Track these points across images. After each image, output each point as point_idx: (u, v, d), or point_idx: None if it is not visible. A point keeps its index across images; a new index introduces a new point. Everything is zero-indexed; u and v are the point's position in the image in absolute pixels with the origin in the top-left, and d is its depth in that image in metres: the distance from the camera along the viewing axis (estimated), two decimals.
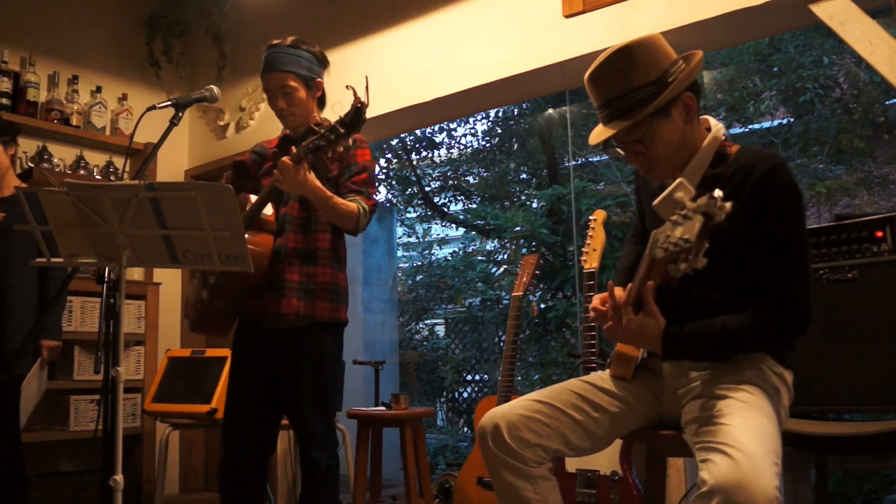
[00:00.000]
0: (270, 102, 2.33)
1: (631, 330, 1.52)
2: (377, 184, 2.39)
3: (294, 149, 2.11)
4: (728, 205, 1.23)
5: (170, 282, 4.26)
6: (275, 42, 2.31)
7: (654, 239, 1.39)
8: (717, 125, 1.63)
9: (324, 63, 2.39)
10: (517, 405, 1.62)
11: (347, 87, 2.04)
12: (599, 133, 1.62)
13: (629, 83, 1.54)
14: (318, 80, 2.35)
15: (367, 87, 1.98)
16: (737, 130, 5.51)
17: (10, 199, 2.87)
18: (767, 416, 1.41)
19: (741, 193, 1.50)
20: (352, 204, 2.21)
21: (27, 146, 3.82)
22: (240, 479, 2.27)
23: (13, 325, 2.84)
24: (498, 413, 1.61)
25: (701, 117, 1.67)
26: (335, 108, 2.07)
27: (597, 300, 1.66)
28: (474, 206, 7.40)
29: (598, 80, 1.59)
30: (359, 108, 1.99)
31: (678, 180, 1.37)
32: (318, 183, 2.14)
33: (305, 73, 2.30)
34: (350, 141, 2.22)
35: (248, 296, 2.27)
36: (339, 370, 2.34)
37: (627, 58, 1.54)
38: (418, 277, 7.49)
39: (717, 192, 1.24)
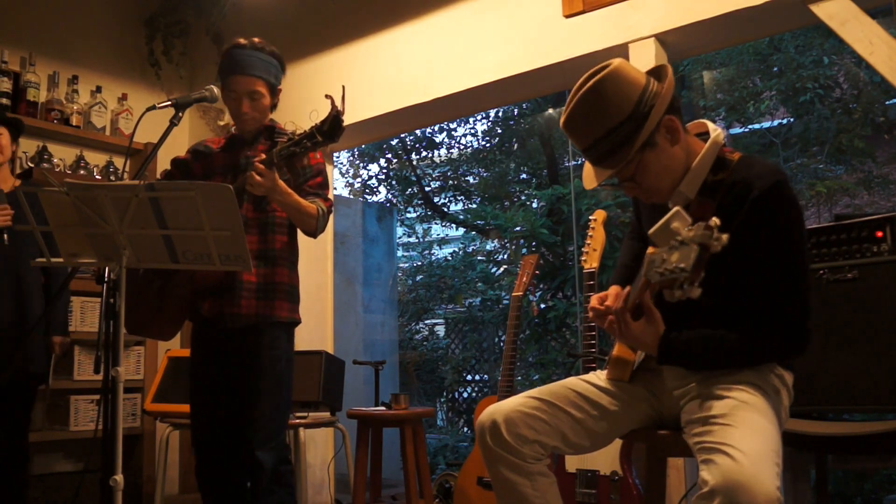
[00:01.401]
0: (231, 104, 2.30)
1: (631, 335, 1.53)
2: (329, 185, 2.41)
3: (264, 154, 2.09)
4: (725, 237, 1.20)
5: None
6: (241, 42, 2.28)
7: (650, 260, 1.37)
8: (715, 130, 1.60)
9: (283, 69, 2.39)
10: (516, 402, 1.62)
11: (326, 96, 2.03)
12: (591, 176, 1.59)
13: (606, 124, 1.50)
14: (279, 87, 2.36)
15: (343, 97, 1.97)
16: (737, 130, 5.51)
17: (11, 196, 2.87)
18: (767, 417, 1.41)
19: (741, 207, 1.48)
20: (312, 206, 2.23)
21: (27, 146, 3.82)
22: (218, 484, 2.27)
23: (27, 326, 2.88)
24: (496, 409, 1.61)
25: (697, 121, 1.66)
26: (312, 117, 2.07)
27: (595, 300, 1.65)
28: (474, 206, 7.40)
29: (574, 126, 1.56)
30: (336, 117, 1.99)
31: (674, 209, 1.33)
32: (286, 187, 2.14)
33: (273, 80, 2.31)
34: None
35: (203, 298, 2.26)
36: (291, 372, 2.33)
37: (597, 98, 1.50)
38: (418, 277, 7.49)
39: (714, 221, 1.21)
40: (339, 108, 1.99)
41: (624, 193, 1.66)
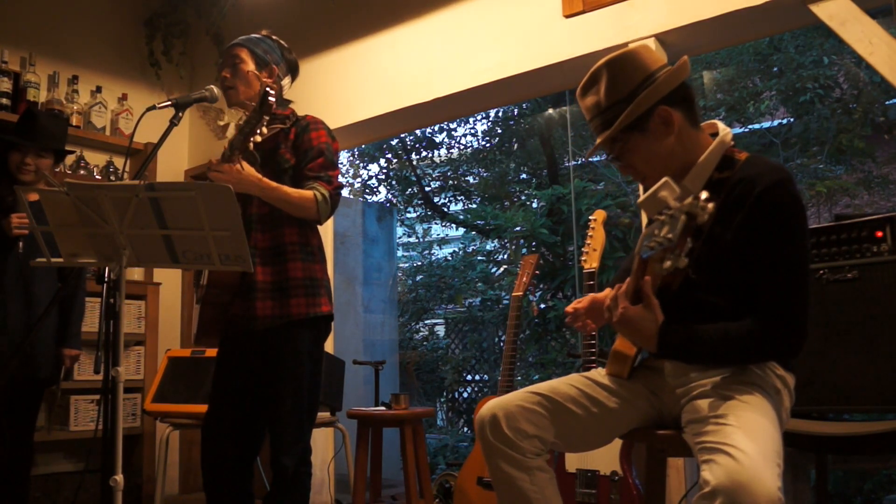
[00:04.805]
0: (219, 76, 2.34)
1: (627, 318, 1.51)
2: (339, 165, 2.32)
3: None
4: (711, 206, 1.23)
5: (170, 282, 4.27)
6: None
7: (642, 237, 1.40)
8: (724, 130, 1.62)
9: (288, 62, 2.38)
10: (516, 397, 1.63)
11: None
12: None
13: (606, 100, 1.60)
14: (272, 65, 2.32)
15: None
16: (737, 130, 5.51)
17: (35, 205, 2.89)
18: (768, 417, 1.41)
19: (744, 204, 1.49)
20: (307, 192, 2.15)
21: None
22: (221, 481, 2.24)
23: (41, 333, 2.91)
24: (497, 404, 1.62)
25: (709, 122, 1.67)
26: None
27: (570, 307, 1.74)
28: (474, 206, 7.40)
29: (581, 96, 1.67)
30: (265, 93, 1.99)
31: (663, 179, 1.37)
32: (257, 175, 2.09)
33: (259, 51, 2.31)
34: (303, 124, 2.26)
35: (234, 299, 2.22)
36: (317, 370, 2.26)
37: (602, 76, 1.61)
38: (418, 277, 7.49)
39: (703, 194, 1.25)
40: (268, 84, 2.02)
41: (621, 174, 1.73)
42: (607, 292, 1.78)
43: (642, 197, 1.42)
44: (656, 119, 1.56)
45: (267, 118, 2.02)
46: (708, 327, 1.51)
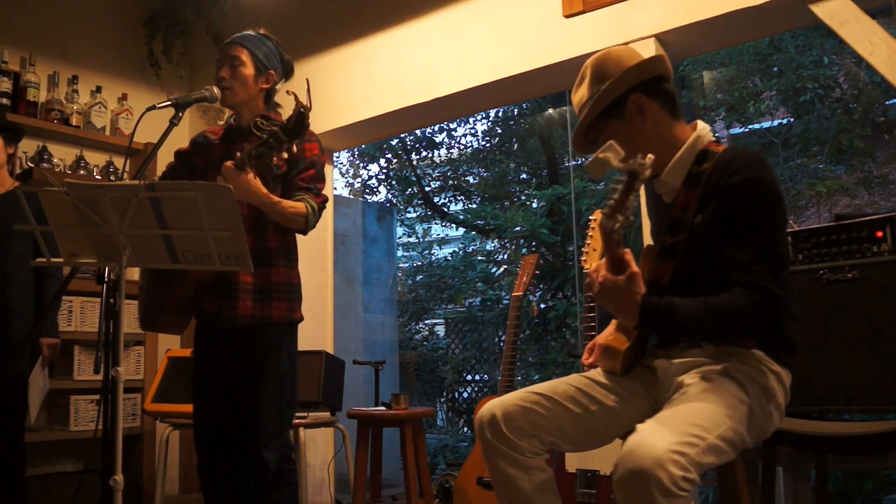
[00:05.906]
0: (216, 73, 2.32)
1: (607, 289, 1.48)
2: (324, 178, 2.37)
3: (238, 153, 2.08)
4: (650, 159, 1.32)
5: None
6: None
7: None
8: (703, 126, 1.68)
9: (285, 66, 2.39)
10: (515, 396, 1.63)
11: (288, 92, 2.06)
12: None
13: (586, 95, 1.70)
14: (271, 71, 2.33)
15: (308, 91, 1.98)
16: (737, 130, 5.51)
17: (4, 198, 2.86)
18: (718, 401, 1.40)
19: (720, 188, 1.54)
20: (300, 204, 2.19)
21: (27, 146, 3.81)
22: (219, 485, 2.25)
23: (15, 327, 2.86)
24: (496, 404, 1.63)
25: (693, 122, 1.71)
26: (282, 113, 2.06)
27: (585, 358, 1.82)
28: (474, 206, 7.41)
29: (573, 95, 1.76)
30: (301, 113, 1.98)
31: (608, 143, 1.42)
32: (263, 189, 2.12)
33: (260, 55, 2.31)
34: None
35: (203, 295, 2.24)
36: (294, 367, 2.30)
37: (587, 74, 1.71)
38: (418, 277, 7.49)
39: (650, 156, 1.33)
40: (305, 104, 1.98)
41: None
42: (606, 333, 1.84)
43: (588, 162, 1.45)
44: (631, 106, 1.64)
45: (297, 140, 2.03)
46: (688, 300, 1.49)
